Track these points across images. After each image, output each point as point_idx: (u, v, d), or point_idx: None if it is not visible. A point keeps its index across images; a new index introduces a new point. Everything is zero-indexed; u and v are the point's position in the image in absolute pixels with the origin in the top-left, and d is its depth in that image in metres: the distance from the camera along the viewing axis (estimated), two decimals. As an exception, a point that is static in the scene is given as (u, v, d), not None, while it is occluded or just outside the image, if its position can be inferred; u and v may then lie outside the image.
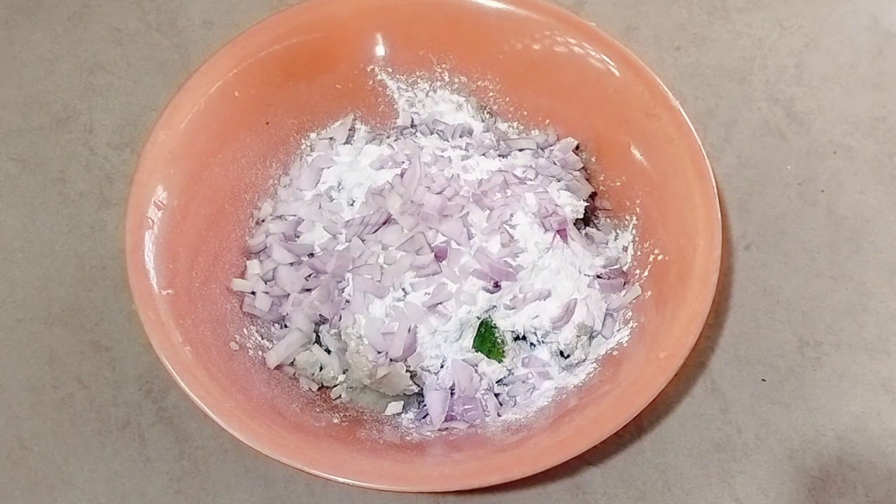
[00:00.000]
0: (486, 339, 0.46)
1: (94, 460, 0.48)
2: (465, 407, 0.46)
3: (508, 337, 0.47)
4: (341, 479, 0.39)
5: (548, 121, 0.54)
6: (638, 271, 0.49)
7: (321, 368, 0.48)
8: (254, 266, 0.49)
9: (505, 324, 0.47)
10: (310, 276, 0.49)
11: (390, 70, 0.54)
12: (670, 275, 0.46)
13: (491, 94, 0.55)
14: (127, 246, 0.43)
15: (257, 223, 0.51)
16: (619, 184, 0.51)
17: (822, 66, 0.61)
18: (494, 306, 0.46)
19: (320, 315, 0.48)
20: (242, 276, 0.49)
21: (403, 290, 0.46)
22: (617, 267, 0.50)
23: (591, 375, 0.46)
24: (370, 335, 0.45)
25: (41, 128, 0.58)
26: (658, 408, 0.49)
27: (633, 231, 0.50)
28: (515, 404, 0.47)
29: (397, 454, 0.42)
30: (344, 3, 0.51)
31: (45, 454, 0.48)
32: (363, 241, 0.48)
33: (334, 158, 0.53)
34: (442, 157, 0.50)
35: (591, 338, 0.49)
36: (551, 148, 0.53)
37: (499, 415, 0.46)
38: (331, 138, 0.54)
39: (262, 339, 0.48)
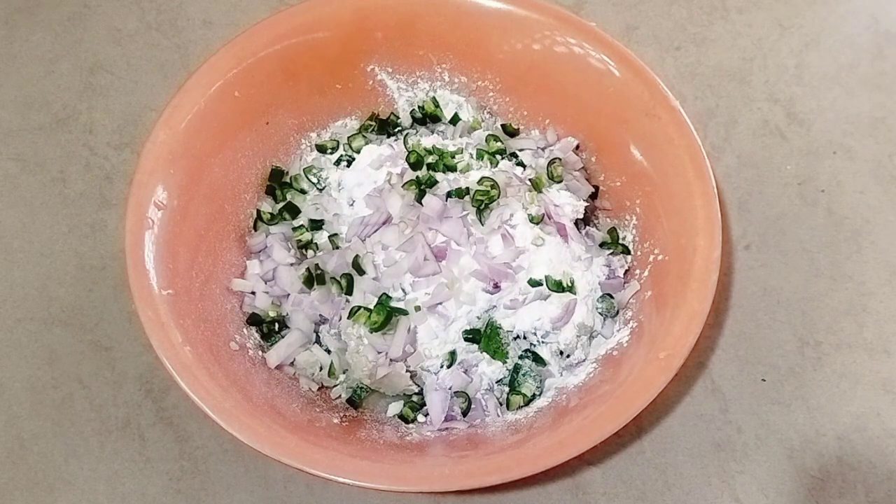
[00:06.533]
0: (493, 340, 0.46)
1: (94, 460, 0.48)
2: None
3: (508, 337, 0.47)
4: (341, 479, 0.39)
5: (548, 121, 0.54)
6: (638, 271, 0.49)
7: (321, 368, 0.48)
8: (254, 266, 0.49)
9: (505, 324, 0.47)
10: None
11: (390, 70, 0.54)
12: (670, 275, 0.46)
13: (491, 94, 0.55)
14: (127, 246, 0.43)
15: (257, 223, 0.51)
16: (619, 184, 0.51)
17: (822, 66, 0.61)
18: (494, 306, 0.46)
19: (320, 315, 0.48)
20: (242, 276, 0.49)
21: (403, 290, 0.46)
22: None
23: (591, 375, 0.46)
24: (370, 335, 0.45)
25: (41, 128, 0.58)
26: (658, 408, 0.49)
27: (633, 231, 0.50)
28: (515, 404, 0.47)
29: (397, 454, 0.42)
30: (344, 3, 0.51)
31: (45, 454, 0.48)
32: (363, 241, 0.48)
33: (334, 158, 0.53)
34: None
35: (591, 338, 0.49)
36: (551, 148, 0.53)
37: (499, 415, 0.46)
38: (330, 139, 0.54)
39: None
